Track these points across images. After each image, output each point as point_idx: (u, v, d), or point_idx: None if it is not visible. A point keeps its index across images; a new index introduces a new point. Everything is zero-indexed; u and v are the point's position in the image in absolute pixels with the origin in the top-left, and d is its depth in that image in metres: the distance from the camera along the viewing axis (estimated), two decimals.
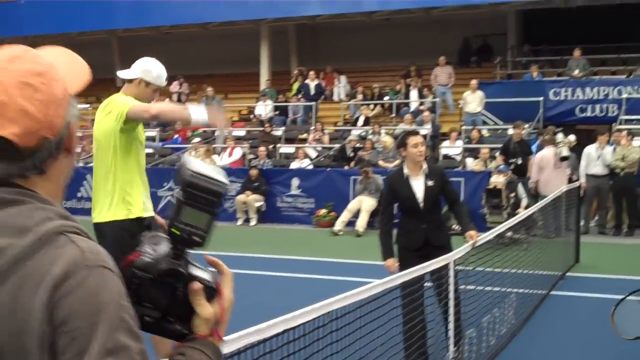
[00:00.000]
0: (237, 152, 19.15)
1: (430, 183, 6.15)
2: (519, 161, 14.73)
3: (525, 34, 25.49)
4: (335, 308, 3.48)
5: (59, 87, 1.35)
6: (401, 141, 6.31)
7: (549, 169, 13.93)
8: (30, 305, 1.23)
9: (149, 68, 5.22)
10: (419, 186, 6.16)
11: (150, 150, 20.54)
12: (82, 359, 1.20)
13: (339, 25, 25.86)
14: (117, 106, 5.06)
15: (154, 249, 1.40)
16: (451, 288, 5.31)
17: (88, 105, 26.66)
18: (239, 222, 17.10)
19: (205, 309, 1.42)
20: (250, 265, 10.96)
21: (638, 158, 14.67)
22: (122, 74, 5.34)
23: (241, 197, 17.06)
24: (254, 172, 17.30)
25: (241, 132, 21.70)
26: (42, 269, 1.24)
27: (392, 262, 6.06)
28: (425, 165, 6.21)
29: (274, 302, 8.26)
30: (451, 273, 5.26)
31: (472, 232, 5.97)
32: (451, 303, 5.32)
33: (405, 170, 6.20)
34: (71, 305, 1.22)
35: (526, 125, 17.84)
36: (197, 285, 1.41)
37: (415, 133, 6.34)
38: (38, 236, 1.27)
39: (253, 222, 16.97)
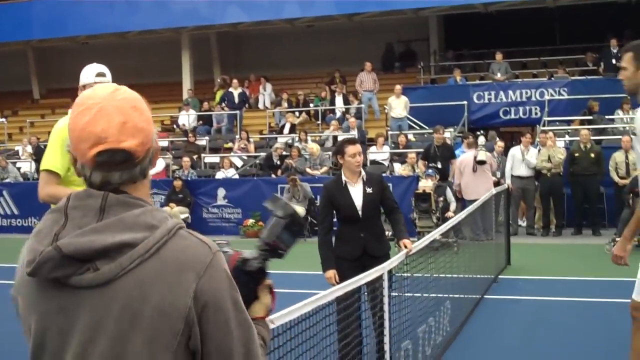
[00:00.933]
0: (160, 164, 18.59)
1: (369, 190, 5.93)
2: (439, 165, 14.62)
3: (448, 39, 25.65)
4: (276, 325, 3.18)
5: (149, 110, 1.78)
6: (338, 148, 6.06)
7: (469, 172, 13.91)
8: (178, 285, 1.63)
9: (82, 72, 4.95)
10: (357, 194, 5.93)
11: None
12: (228, 326, 1.67)
13: (261, 32, 25.60)
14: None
15: (249, 252, 1.98)
16: (386, 300, 5.05)
17: (3, 119, 25.73)
18: None
19: (267, 298, 1.99)
20: None
21: (563, 158, 14.78)
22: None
23: (166, 209, 16.50)
24: (177, 184, 16.83)
25: (164, 143, 21.15)
26: (180, 255, 1.66)
27: (333, 274, 5.78)
28: (363, 173, 5.98)
29: None
30: (385, 284, 5.00)
31: (407, 241, 5.74)
32: (386, 316, 5.06)
33: (344, 178, 5.96)
34: (212, 283, 1.66)
35: (451, 129, 17.92)
36: (270, 281, 2.00)
37: (353, 142, 6.03)
38: (165, 231, 1.66)
39: None
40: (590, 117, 18.10)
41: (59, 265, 1.60)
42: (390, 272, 5.14)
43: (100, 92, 1.74)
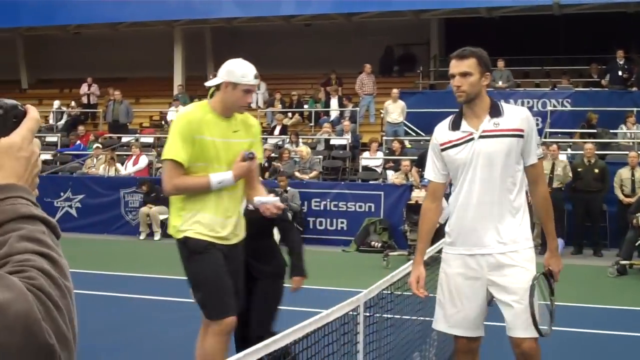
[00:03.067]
0: (143, 160, 17.73)
1: None
2: None
3: (449, 44, 24.76)
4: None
5: None
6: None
7: None
8: None
9: (231, 68, 4.53)
10: None
11: (48, 156, 19.02)
12: None
13: (257, 29, 24.85)
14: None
15: None
16: (361, 329, 4.20)
17: None
18: (142, 237, 15.78)
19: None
20: (150, 289, 9.73)
21: (567, 172, 13.94)
22: (208, 84, 4.81)
23: (145, 209, 15.70)
24: (145, 186, 15.95)
25: (149, 139, 20.30)
26: None
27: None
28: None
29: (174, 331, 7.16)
30: (361, 319, 4.15)
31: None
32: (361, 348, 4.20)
33: None
34: None
35: None
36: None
37: None
38: None
39: (157, 237, 15.57)
40: (594, 131, 17.30)
41: None
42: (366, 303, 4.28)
43: None
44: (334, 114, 20.99)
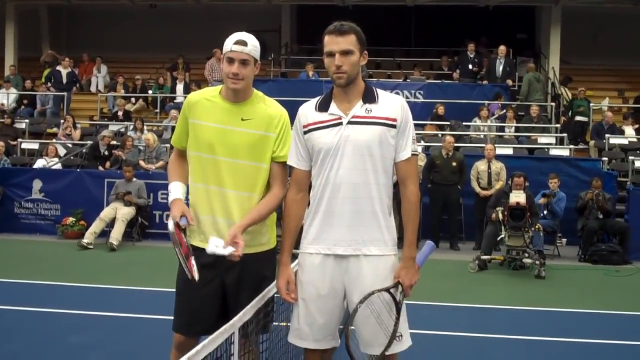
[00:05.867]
0: None
1: None
2: None
3: (300, 31, 24.53)
4: None
5: None
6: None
7: None
8: None
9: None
10: None
11: None
12: None
13: (98, 9, 23.53)
14: None
15: None
16: None
17: None
18: None
19: None
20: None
21: (423, 166, 13.61)
22: None
23: None
24: None
25: None
26: None
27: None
28: None
29: None
30: (235, 349, 3.25)
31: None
32: None
33: None
34: None
35: None
36: None
37: None
38: None
39: None
40: (447, 123, 17.16)
41: None
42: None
43: None
44: (180, 99, 19.87)
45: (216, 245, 3.61)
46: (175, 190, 3.95)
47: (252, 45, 3.80)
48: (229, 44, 3.78)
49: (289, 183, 3.83)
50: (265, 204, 3.83)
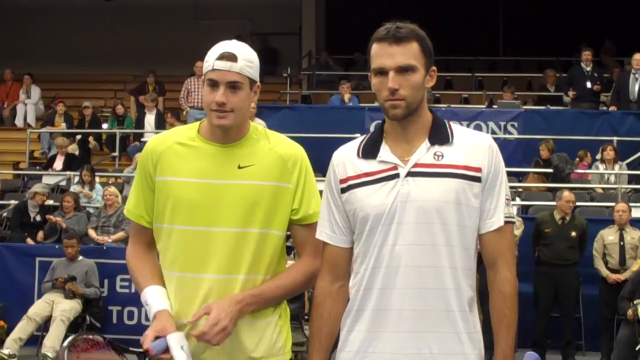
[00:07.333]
0: None
1: None
2: None
3: (331, 35, 26.37)
4: None
5: None
6: None
7: None
8: None
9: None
10: None
11: None
12: None
13: (26, 3, 24.68)
14: None
15: None
16: None
17: None
18: None
19: None
20: None
21: (519, 236, 13.74)
22: None
23: None
24: None
25: None
26: None
27: None
28: None
29: None
30: None
31: None
32: None
33: None
34: None
35: None
36: None
37: None
38: None
39: None
40: (550, 170, 17.11)
41: None
42: None
43: None
44: (150, 137, 20.14)
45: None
46: (155, 297, 3.94)
47: (245, 59, 3.83)
48: (211, 59, 3.85)
49: (321, 266, 3.85)
50: (290, 276, 3.93)
